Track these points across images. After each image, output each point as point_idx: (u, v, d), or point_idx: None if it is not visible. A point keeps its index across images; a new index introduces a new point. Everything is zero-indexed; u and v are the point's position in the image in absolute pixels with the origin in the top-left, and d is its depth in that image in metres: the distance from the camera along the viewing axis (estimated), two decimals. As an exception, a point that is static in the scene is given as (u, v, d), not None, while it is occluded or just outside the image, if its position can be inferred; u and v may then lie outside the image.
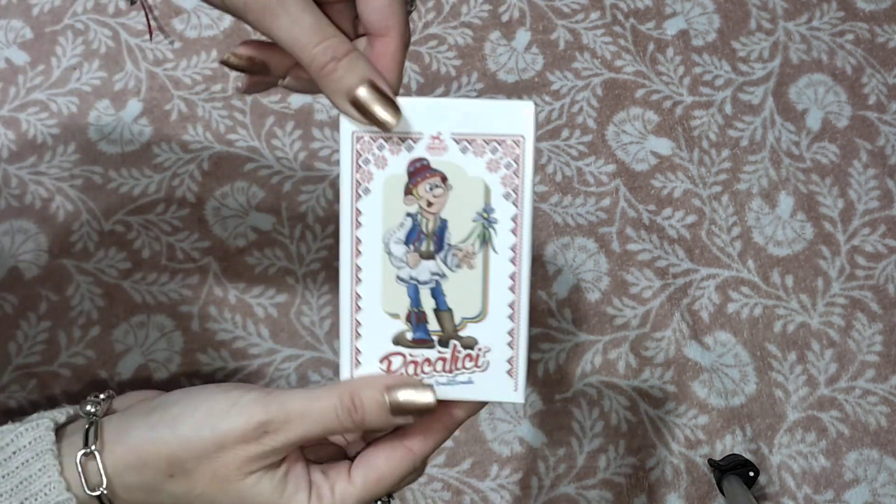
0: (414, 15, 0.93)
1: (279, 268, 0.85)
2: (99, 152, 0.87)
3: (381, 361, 0.37)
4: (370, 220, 0.36)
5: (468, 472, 0.82)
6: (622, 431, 0.83)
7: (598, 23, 0.93)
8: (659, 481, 0.83)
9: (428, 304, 0.36)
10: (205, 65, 0.90)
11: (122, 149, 0.87)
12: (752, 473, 0.80)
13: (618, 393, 0.84)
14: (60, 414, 0.37)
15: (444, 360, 0.37)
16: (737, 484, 0.78)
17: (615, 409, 0.84)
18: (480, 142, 0.35)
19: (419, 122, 0.35)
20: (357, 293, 0.36)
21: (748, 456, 0.83)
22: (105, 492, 0.35)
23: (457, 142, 0.35)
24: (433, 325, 0.36)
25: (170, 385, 0.82)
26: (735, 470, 0.80)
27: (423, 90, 0.91)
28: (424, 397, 0.36)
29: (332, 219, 0.87)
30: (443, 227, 0.36)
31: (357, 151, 0.35)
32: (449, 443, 0.82)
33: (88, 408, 0.37)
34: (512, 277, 0.36)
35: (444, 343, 0.36)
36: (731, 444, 0.83)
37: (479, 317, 0.36)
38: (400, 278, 0.36)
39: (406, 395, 0.36)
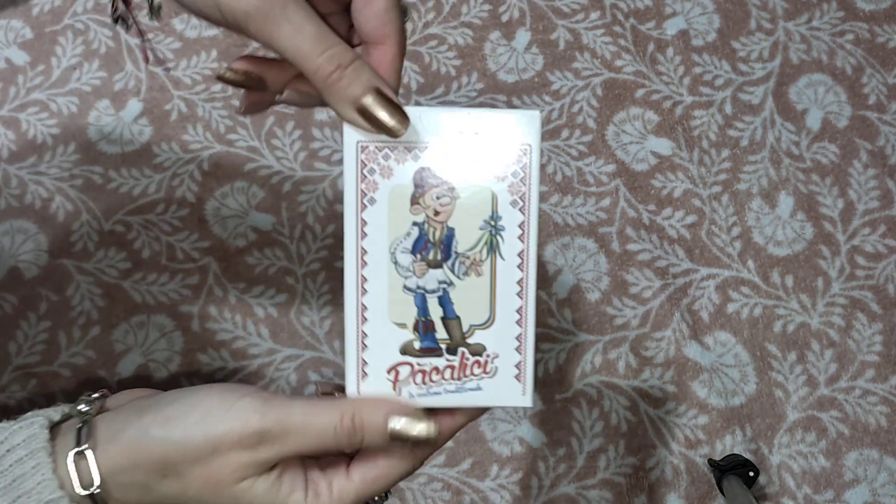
0: (414, 15, 0.93)
1: (279, 268, 0.85)
2: (99, 152, 0.87)
3: (389, 372, 0.36)
4: (376, 230, 0.35)
5: (468, 472, 0.82)
6: (622, 431, 0.83)
7: (598, 23, 0.93)
8: (659, 481, 0.83)
9: (436, 312, 0.36)
10: (205, 65, 0.90)
11: (122, 149, 0.87)
12: (752, 473, 0.80)
13: (618, 393, 0.84)
14: (55, 412, 0.36)
15: (452, 367, 0.36)
16: (737, 484, 0.78)
17: (615, 409, 0.84)
18: (487, 151, 0.35)
19: (425, 131, 0.35)
20: (363, 304, 0.36)
21: (748, 456, 0.83)
22: (98, 491, 0.34)
23: (464, 151, 0.35)
24: (441, 333, 0.36)
25: (170, 385, 0.82)
26: (735, 470, 0.80)
27: (424, 90, 0.91)
28: (426, 430, 0.36)
29: (332, 219, 0.87)
30: (450, 235, 0.36)
31: (362, 161, 0.35)
32: (449, 443, 0.82)
33: (81, 406, 0.36)
34: (519, 283, 0.36)
35: (452, 351, 0.36)
36: (731, 444, 0.83)
37: (487, 323, 0.36)
38: (407, 288, 0.36)
39: (408, 426, 0.35)
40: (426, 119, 0.35)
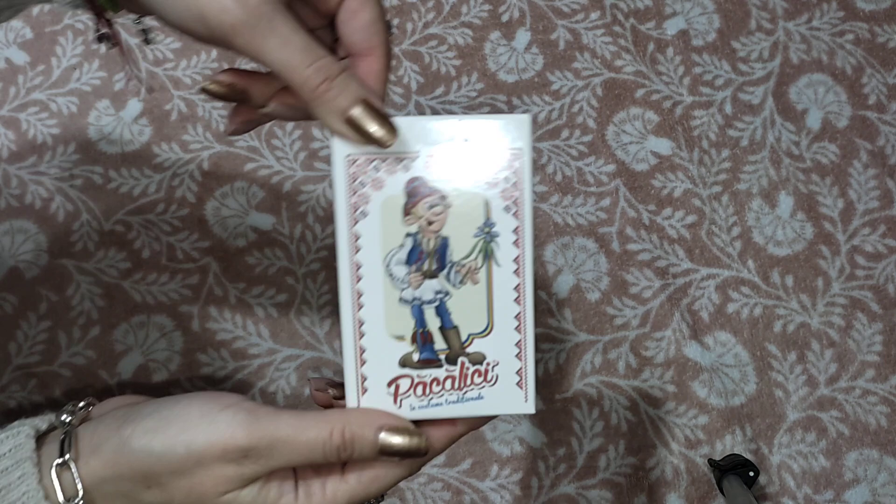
0: (414, 15, 0.93)
1: (279, 268, 0.85)
2: (99, 152, 0.87)
3: (389, 386, 0.36)
4: (369, 243, 0.35)
5: (468, 472, 0.82)
6: (622, 431, 0.83)
7: (598, 23, 0.93)
8: (659, 481, 0.83)
9: (433, 323, 0.36)
10: (205, 65, 0.90)
11: (122, 149, 0.87)
12: (752, 473, 0.80)
13: (618, 393, 0.84)
14: (42, 421, 0.36)
15: (452, 378, 0.36)
16: (737, 484, 0.78)
17: (615, 409, 0.84)
18: (478, 158, 0.35)
19: (415, 141, 0.34)
20: (359, 319, 0.36)
21: (748, 456, 0.83)
22: (82, 502, 0.34)
23: (454, 159, 0.35)
24: (440, 343, 0.36)
25: (170, 385, 0.82)
26: (735, 470, 0.80)
27: (424, 90, 0.91)
28: (416, 443, 0.35)
29: (332, 219, 0.87)
30: (444, 244, 0.35)
31: (352, 175, 0.35)
32: (449, 443, 0.82)
33: (63, 417, 0.36)
34: (517, 289, 0.36)
35: (451, 361, 0.36)
36: (731, 444, 0.83)
37: (486, 331, 0.36)
38: (403, 300, 0.36)
39: (398, 440, 0.35)
40: (415, 128, 0.34)
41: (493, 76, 0.91)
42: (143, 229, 0.85)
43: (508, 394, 0.36)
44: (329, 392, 0.38)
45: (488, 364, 0.36)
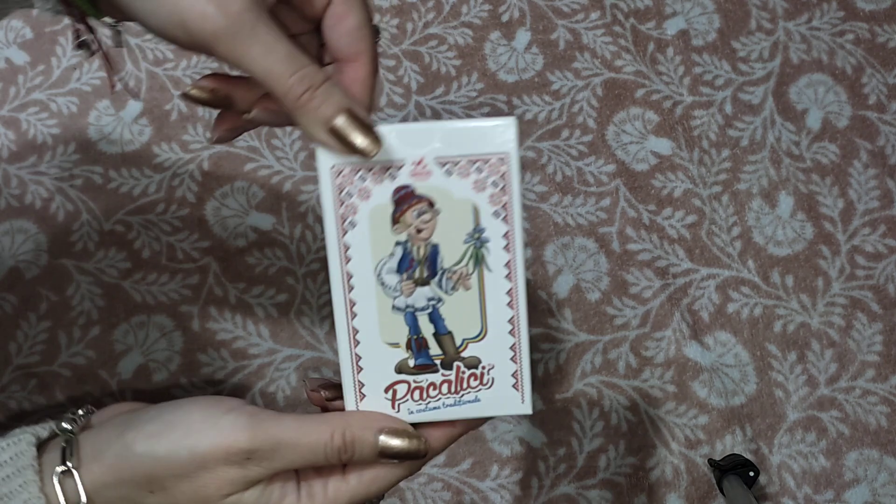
0: (414, 14, 0.93)
1: (279, 268, 0.85)
2: (99, 152, 0.87)
3: (386, 391, 0.36)
4: (359, 253, 0.35)
5: (468, 472, 0.82)
6: (622, 431, 0.83)
7: (598, 23, 0.93)
8: (659, 481, 0.83)
9: (427, 329, 0.36)
10: (205, 65, 0.90)
11: (122, 149, 0.87)
12: (752, 473, 0.80)
13: (618, 393, 0.84)
14: (43, 429, 0.36)
15: (448, 382, 0.37)
16: (737, 484, 0.78)
17: (615, 409, 0.84)
18: (465, 163, 0.35)
19: (400, 149, 0.34)
20: (354, 328, 0.36)
21: (748, 456, 0.83)
22: None
23: (441, 165, 0.34)
24: (434, 349, 0.36)
25: (169, 385, 0.82)
26: (735, 470, 0.80)
27: (424, 90, 0.91)
28: (415, 445, 0.36)
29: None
30: (434, 251, 0.35)
31: (338, 186, 0.34)
32: (449, 443, 0.82)
33: (64, 425, 0.36)
34: (509, 293, 0.36)
35: (447, 366, 0.36)
36: (731, 444, 0.83)
37: (480, 336, 0.36)
38: (396, 307, 0.36)
39: (398, 442, 0.36)
40: (400, 136, 0.34)
41: (493, 76, 0.91)
42: (143, 229, 0.85)
43: (505, 396, 0.37)
44: (322, 394, 0.38)
45: (484, 368, 0.36)
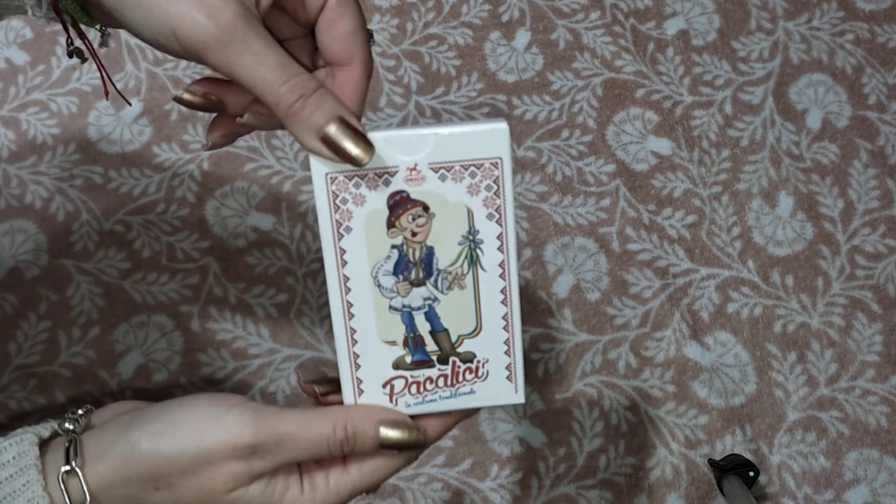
0: (414, 14, 0.93)
1: (279, 268, 0.85)
2: (99, 152, 0.87)
3: (384, 387, 0.37)
4: (355, 257, 0.36)
5: (468, 472, 0.82)
6: (622, 431, 0.83)
7: (598, 23, 0.93)
8: (659, 481, 0.83)
9: (423, 327, 0.37)
10: (203, 70, 0.90)
11: (122, 149, 0.87)
12: (752, 473, 0.80)
13: (618, 393, 0.84)
14: (44, 429, 0.36)
15: (445, 376, 0.38)
16: (737, 484, 0.78)
17: (615, 409, 0.84)
18: (458, 168, 0.35)
19: (394, 156, 0.35)
20: (351, 328, 0.37)
21: (748, 456, 0.83)
22: None
23: (434, 171, 0.35)
24: (431, 346, 0.37)
25: (169, 385, 0.82)
26: (735, 470, 0.80)
27: (424, 90, 0.91)
28: (414, 436, 0.37)
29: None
30: (430, 254, 0.36)
31: (333, 192, 0.35)
32: (449, 443, 0.82)
33: (67, 425, 0.36)
34: (503, 291, 0.37)
35: (443, 361, 0.38)
36: (731, 444, 0.83)
37: (475, 332, 0.37)
38: (393, 307, 0.37)
39: (397, 434, 0.37)
40: (393, 143, 0.35)
41: (493, 76, 0.91)
42: (143, 229, 0.85)
43: (499, 387, 0.38)
44: (316, 388, 0.38)
45: (479, 362, 0.38)
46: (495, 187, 0.35)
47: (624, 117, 0.91)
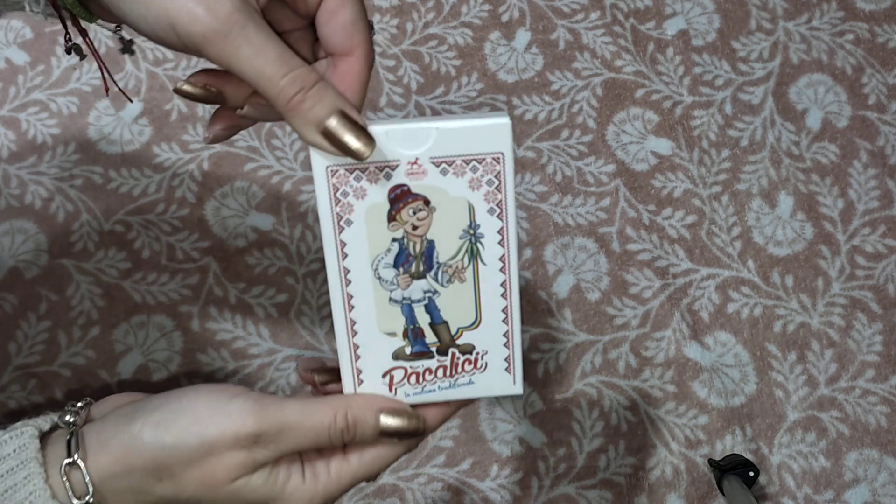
0: (414, 14, 0.93)
1: (279, 268, 0.85)
2: (99, 152, 0.87)
3: (384, 377, 0.38)
4: (356, 249, 0.36)
5: (468, 472, 0.82)
6: (622, 431, 0.83)
7: (598, 23, 0.93)
8: (659, 481, 0.83)
9: (423, 319, 0.37)
10: (204, 64, 0.90)
11: (122, 149, 0.87)
12: (752, 473, 0.79)
13: (618, 393, 0.84)
14: (45, 422, 0.36)
15: (444, 367, 0.38)
16: (737, 484, 0.78)
17: (615, 409, 0.84)
18: (460, 163, 0.35)
19: (395, 150, 0.34)
20: (351, 319, 0.37)
21: (748, 456, 0.83)
22: (91, 500, 0.34)
23: (436, 165, 0.35)
24: (430, 337, 0.37)
25: (169, 385, 0.82)
26: (735, 470, 0.80)
27: (424, 90, 0.91)
28: (413, 424, 0.37)
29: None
30: (430, 247, 0.36)
31: (334, 185, 0.35)
32: (449, 443, 0.82)
33: (67, 418, 0.36)
34: (503, 285, 0.37)
35: (442, 352, 0.38)
36: (731, 444, 0.83)
37: (475, 324, 0.37)
38: (393, 299, 0.37)
39: (397, 422, 0.37)
40: (394, 137, 0.34)
41: (493, 76, 0.91)
42: (143, 229, 0.85)
43: (497, 378, 0.38)
44: (316, 378, 0.38)
45: (478, 353, 0.38)
46: (497, 182, 0.35)
47: (624, 117, 0.91)
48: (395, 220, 0.35)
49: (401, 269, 0.36)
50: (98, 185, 0.86)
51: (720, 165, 0.90)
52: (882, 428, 0.85)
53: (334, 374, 0.38)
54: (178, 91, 0.35)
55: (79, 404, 0.38)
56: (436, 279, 0.37)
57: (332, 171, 0.35)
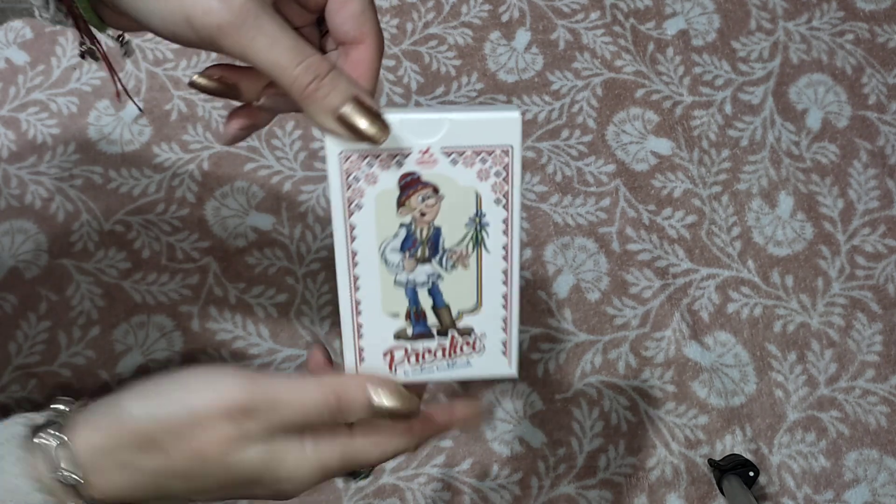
0: (414, 14, 0.93)
1: (279, 268, 0.85)
2: (99, 152, 0.87)
3: (385, 356, 0.39)
4: (364, 233, 0.37)
5: (468, 472, 0.82)
6: (622, 431, 0.83)
7: (598, 23, 0.93)
8: (659, 481, 0.83)
9: (426, 302, 0.38)
10: (205, 64, 0.90)
11: (122, 149, 0.87)
12: (752, 473, 0.80)
13: (618, 393, 0.84)
14: (39, 416, 0.37)
15: (443, 348, 0.39)
16: (737, 484, 0.78)
17: (615, 409, 0.84)
18: (470, 153, 0.36)
19: (407, 138, 0.35)
20: (357, 299, 0.38)
21: (748, 456, 0.83)
22: (81, 480, 0.34)
23: (447, 155, 0.36)
24: (432, 320, 0.39)
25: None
26: (735, 470, 0.80)
27: (424, 90, 0.91)
28: (406, 404, 0.37)
29: (331, 223, 0.86)
30: (437, 233, 0.37)
31: (346, 171, 0.36)
32: (449, 443, 0.82)
33: (59, 406, 0.36)
34: (504, 273, 0.38)
35: (443, 334, 0.39)
36: (731, 444, 0.83)
37: (475, 308, 0.39)
38: (398, 282, 0.38)
39: (389, 401, 0.37)
40: (407, 125, 0.35)
41: (493, 76, 0.91)
42: (143, 229, 0.85)
43: (494, 360, 0.40)
44: (320, 357, 0.39)
45: (476, 336, 0.39)
46: (504, 174, 0.37)
47: (624, 117, 0.91)
48: (404, 205, 0.36)
49: (407, 253, 0.37)
50: (98, 185, 0.86)
51: (720, 165, 0.90)
52: (882, 428, 0.85)
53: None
54: (192, 84, 0.36)
55: (75, 402, 0.38)
56: (440, 264, 0.38)
57: (345, 156, 0.35)
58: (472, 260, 0.38)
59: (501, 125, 0.36)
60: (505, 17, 0.93)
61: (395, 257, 0.37)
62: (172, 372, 0.36)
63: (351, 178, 0.36)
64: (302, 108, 0.34)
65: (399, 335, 0.39)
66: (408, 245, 0.37)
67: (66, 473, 0.34)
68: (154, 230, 0.85)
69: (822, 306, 0.87)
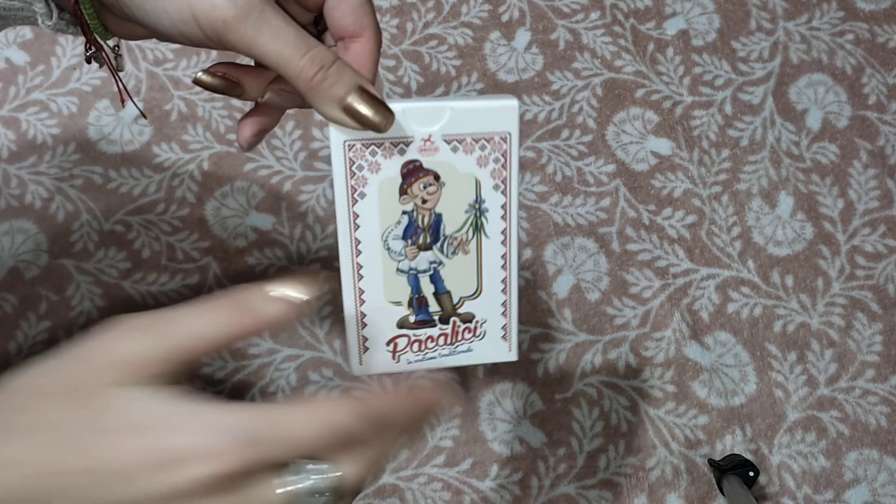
0: (414, 14, 0.93)
1: (279, 268, 0.85)
2: (99, 152, 0.87)
3: (388, 344, 0.40)
4: (367, 221, 0.38)
5: (468, 472, 0.82)
6: (622, 431, 0.83)
7: (598, 23, 0.93)
8: (659, 481, 0.83)
9: (428, 289, 0.39)
10: (205, 64, 0.90)
11: (122, 149, 0.87)
12: (752, 473, 0.80)
13: (618, 393, 0.84)
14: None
15: (445, 335, 0.40)
16: (737, 484, 0.78)
17: (615, 409, 0.84)
18: (470, 141, 0.37)
19: (410, 127, 0.36)
20: (360, 288, 0.39)
21: (748, 456, 0.83)
22: None
23: (447, 142, 0.37)
24: (434, 306, 0.39)
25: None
26: (735, 470, 0.80)
27: (424, 90, 0.91)
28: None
29: (333, 219, 0.87)
30: (438, 220, 0.38)
31: (350, 159, 0.37)
32: (449, 442, 0.82)
33: None
34: (503, 257, 0.39)
35: (444, 321, 0.40)
36: (731, 444, 0.83)
37: (476, 294, 0.40)
38: (400, 270, 0.39)
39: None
40: (409, 114, 0.36)
41: (493, 76, 0.91)
42: (143, 229, 0.85)
43: (494, 346, 0.41)
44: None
45: (477, 322, 0.40)
46: (503, 160, 0.38)
47: (624, 117, 0.91)
48: (406, 193, 0.37)
49: (409, 241, 0.38)
50: (98, 185, 0.86)
51: (720, 165, 0.90)
52: (882, 428, 0.85)
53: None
54: (196, 81, 0.36)
55: None
56: (441, 251, 0.39)
57: (349, 145, 0.36)
58: (473, 246, 0.39)
59: (500, 113, 0.37)
60: (505, 17, 0.93)
61: (397, 245, 0.38)
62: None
63: (355, 166, 0.37)
64: (307, 99, 0.35)
65: (402, 323, 0.39)
66: (410, 232, 0.38)
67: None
68: (154, 230, 0.85)
69: (822, 306, 0.87)
